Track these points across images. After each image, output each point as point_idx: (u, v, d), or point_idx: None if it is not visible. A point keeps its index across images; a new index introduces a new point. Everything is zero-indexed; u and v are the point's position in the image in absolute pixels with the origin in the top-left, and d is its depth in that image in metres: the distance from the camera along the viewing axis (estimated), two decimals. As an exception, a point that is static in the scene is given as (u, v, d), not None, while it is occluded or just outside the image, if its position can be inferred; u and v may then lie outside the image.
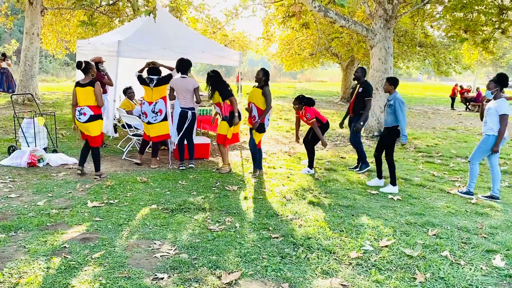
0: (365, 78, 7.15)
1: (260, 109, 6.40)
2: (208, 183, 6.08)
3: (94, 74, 6.04)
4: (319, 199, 5.50)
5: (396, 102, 5.88)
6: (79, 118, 5.91)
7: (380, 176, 6.40)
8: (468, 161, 6.03)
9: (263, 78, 6.38)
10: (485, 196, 5.89)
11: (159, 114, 6.74)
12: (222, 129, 6.65)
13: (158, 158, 7.14)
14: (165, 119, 6.81)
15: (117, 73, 8.27)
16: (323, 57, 24.24)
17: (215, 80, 6.59)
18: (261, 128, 6.49)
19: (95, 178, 6.05)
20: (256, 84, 6.51)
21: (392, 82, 6.05)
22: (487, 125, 5.70)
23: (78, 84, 5.92)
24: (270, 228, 4.42)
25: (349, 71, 23.69)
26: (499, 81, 5.67)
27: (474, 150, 5.94)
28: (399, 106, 5.84)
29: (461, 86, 23.12)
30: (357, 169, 7.26)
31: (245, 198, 5.44)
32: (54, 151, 7.38)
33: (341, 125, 7.54)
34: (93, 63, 6.12)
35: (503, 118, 5.57)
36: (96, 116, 5.91)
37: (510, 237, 4.40)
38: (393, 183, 6.11)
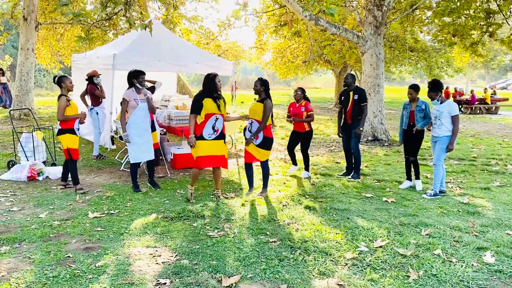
0: (355, 84, 7.28)
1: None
2: (206, 191, 6.20)
3: (69, 87, 6.00)
4: (315, 204, 5.63)
5: (427, 106, 6.28)
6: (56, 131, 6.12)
7: (416, 177, 6.67)
8: (434, 164, 6.16)
9: (261, 88, 5.78)
10: (429, 195, 6.14)
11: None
12: (223, 149, 5.72)
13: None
14: (153, 129, 6.92)
15: (112, 86, 8.42)
16: (316, 64, 24.50)
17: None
18: (269, 144, 5.88)
19: (69, 187, 6.27)
20: (260, 97, 5.83)
21: (418, 90, 6.37)
22: (443, 127, 5.94)
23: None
24: (268, 232, 4.54)
25: (342, 77, 23.93)
26: (436, 87, 6.00)
27: (437, 153, 6.07)
28: (429, 109, 6.28)
29: (455, 89, 23.44)
30: (348, 176, 7.28)
31: (243, 204, 5.56)
32: (53, 164, 7.49)
33: (339, 134, 7.41)
34: (68, 77, 6.18)
35: (456, 119, 5.92)
36: (64, 130, 5.94)
37: (500, 234, 4.54)
38: (419, 178, 6.65)
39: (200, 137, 5.53)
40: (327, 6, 5.90)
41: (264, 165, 6.01)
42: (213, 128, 5.54)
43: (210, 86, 5.49)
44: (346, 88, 7.21)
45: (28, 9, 13.53)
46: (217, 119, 5.52)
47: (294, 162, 7.58)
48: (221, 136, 5.65)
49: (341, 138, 7.53)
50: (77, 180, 6.16)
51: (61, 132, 5.97)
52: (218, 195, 5.84)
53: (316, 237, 4.39)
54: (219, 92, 5.59)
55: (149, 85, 7.24)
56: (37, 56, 18.53)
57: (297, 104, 7.13)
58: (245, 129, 5.99)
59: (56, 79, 6.08)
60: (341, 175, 7.36)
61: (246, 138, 5.91)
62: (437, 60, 22.92)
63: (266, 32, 18.75)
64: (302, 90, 7.20)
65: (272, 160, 8.67)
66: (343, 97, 7.23)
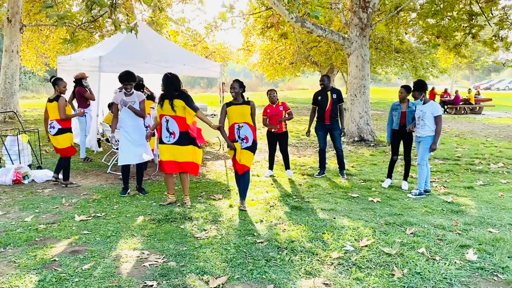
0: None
1: (253, 127, 5.50)
2: (193, 193, 6.20)
3: (62, 90, 6.29)
4: (302, 204, 5.67)
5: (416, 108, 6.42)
6: (50, 131, 6.37)
7: (404, 177, 6.83)
8: (418, 163, 6.26)
9: (240, 91, 5.45)
10: (414, 194, 6.24)
11: (147, 128, 6.83)
12: (191, 156, 5.41)
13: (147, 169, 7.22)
14: (153, 134, 6.91)
15: (99, 88, 8.38)
16: (303, 65, 24.65)
17: (178, 86, 5.38)
18: (256, 148, 5.58)
19: (62, 185, 6.50)
20: (238, 100, 5.46)
21: (410, 91, 6.49)
22: (426, 128, 6.03)
23: (48, 99, 6.42)
24: (255, 233, 4.57)
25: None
26: (421, 87, 6.12)
27: (421, 153, 6.17)
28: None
29: (445, 89, 23.76)
30: (320, 174, 7.47)
31: (230, 206, 5.58)
32: (39, 167, 7.43)
33: (308, 134, 7.53)
34: (64, 81, 6.40)
35: (439, 119, 6.02)
36: (64, 130, 6.34)
37: (483, 232, 4.64)
38: (407, 179, 6.81)
39: (160, 140, 5.46)
40: (312, 8, 5.96)
41: (247, 175, 5.53)
42: (167, 130, 5.35)
43: None
44: (322, 88, 7.28)
45: (13, 10, 13.38)
46: (167, 120, 5.33)
47: (272, 167, 7.50)
48: (183, 140, 5.34)
49: (318, 138, 7.52)
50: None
51: (62, 131, 6.32)
52: (185, 202, 5.61)
53: (303, 237, 4.44)
54: (172, 92, 5.30)
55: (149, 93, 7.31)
56: (22, 58, 18.34)
57: (274, 105, 7.13)
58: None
59: (52, 80, 6.38)
60: (317, 175, 7.46)
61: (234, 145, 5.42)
62: (423, 61, 23.24)
63: (253, 34, 18.80)
64: (275, 91, 7.27)
65: (260, 161, 8.70)
66: (320, 97, 7.27)
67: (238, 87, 5.42)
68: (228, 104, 5.49)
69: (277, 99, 7.20)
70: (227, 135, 5.52)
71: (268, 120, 7.15)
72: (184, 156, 5.38)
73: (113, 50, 8.74)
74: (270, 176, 7.39)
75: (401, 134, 6.54)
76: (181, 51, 10.16)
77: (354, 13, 11.06)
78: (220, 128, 5.51)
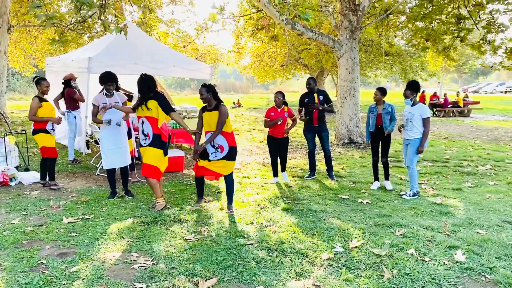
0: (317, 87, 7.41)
1: (227, 133, 5.27)
2: (183, 195, 6.17)
3: (44, 90, 6.29)
4: (292, 206, 5.68)
5: (393, 108, 6.50)
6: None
7: (386, 178, 6.92)
8: (408, 166, 6.31)
9: (209, 96, 5.18)
10: (409, 195, 6.28)
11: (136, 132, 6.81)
12: (152, 158, 5.30)
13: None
14: (129, 136, 6.88)
15: (88, 89, 8.31)
16: (294, 68, 24.72)
17: (152, 87, 5.31)
18: (234, 155, 5.35)
19: (50, 188, 6.45)
20: (211, 106, 5.25)
21: (385, 93, 6.56)
22: (414, 129, 6.09)
23: None
24: (245, 235, 4.55)
25: (319, 81, 24.23)
26: (413, 88, 6.14)
27: (410, 155, 6.20)
28: (394, 111, 6.53)
29: (434, 93, 24.00)
30: (310, 176, 7.47)
31: (221, 208, 5.55)
32: (26, 169, 7.34)
33: (301, 118, 7.41)
34: (47, 81, 6.42)
35: (427, 121, 6.06)
36: (36, 130, 6.34)
37: (471, 233, 4.68)
38: (388, 179, 6.91)
39: (140, 143, 5.48)
40: (303, 11, 5.97)
41: (230, 178, 5.41)
42: (142, 132, 5.30)
43: None
44: (308, 90, 7.27)
45: (0, 11, 13.23)
46: (143, 122, 5.28)
47: (277, 174, 7.23)
48: (156, 142, 5.27)
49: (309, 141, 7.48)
50: (53, 176, 6.53)
51: (34, 132, 6.34)
52: (154, 205, 5.49)
53: (293, 239, 4.43)
54: (146, 93, 5.26)
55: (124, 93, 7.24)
56: (10, 59, 18.14)
57: (279, 109, 6.89)
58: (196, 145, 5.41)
59: (35, 79, 6.40)
60: (308, 177, 7.46)
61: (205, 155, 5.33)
62: (412, 64, 23.43)
63: (243, 36, 18.81)
64: (283, 94, 6.98)
65: (251, 164, 8.69)
66: (306, 99, 7.27)
67: (206, 92, 5.17)
68: (203, 110, 5.33)
69: (283, 104, 6.93)
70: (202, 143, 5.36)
71: (270, 122, 6.91)
72: (148, 158, 5.31)
73: (102, 51, 8.67)
74: (276, 183, 7.14)
75: (378, 136, 6.61)
76: (171, 53, 10.12)
77: (344, 16, 11.12)
78: (196, 134, 5.43)
